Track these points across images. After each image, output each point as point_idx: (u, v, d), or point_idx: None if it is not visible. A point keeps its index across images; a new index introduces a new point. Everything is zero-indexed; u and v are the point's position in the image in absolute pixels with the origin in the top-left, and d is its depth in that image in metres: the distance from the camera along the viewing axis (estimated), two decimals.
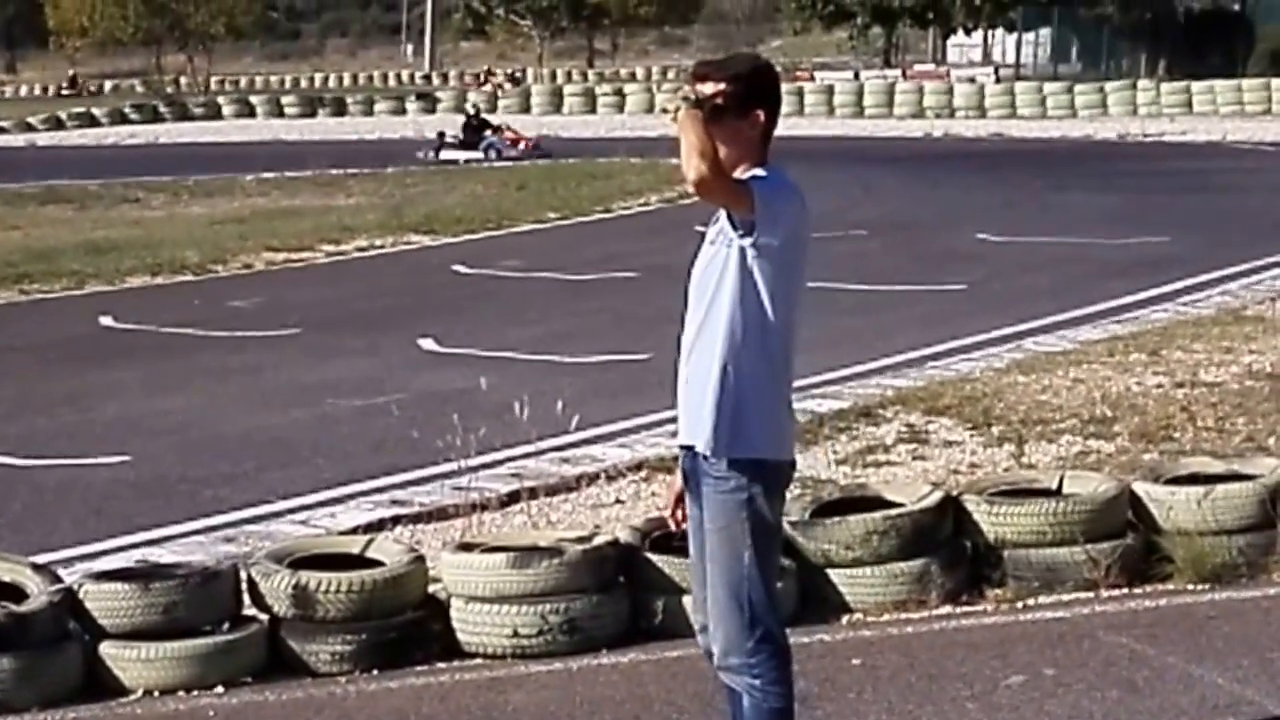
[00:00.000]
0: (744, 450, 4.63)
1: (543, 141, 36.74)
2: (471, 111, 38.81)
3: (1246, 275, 15.86)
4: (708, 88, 4.59)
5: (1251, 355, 11.55)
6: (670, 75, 71.69)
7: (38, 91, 78.37)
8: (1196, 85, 44.74)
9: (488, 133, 36.62)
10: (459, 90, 58.59)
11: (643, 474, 9.07)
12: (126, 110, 54.31)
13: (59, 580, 6.51)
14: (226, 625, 6.45)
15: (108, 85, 77.81)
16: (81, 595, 6.38)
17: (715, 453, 4.65)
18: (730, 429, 4.63)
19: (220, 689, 6.28)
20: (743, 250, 4.55)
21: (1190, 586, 6.99)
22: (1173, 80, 47.16)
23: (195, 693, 6.26)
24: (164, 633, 6.31)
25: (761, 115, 4.62)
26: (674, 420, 11.01)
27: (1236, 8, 57.52)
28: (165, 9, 79.72)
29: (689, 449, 4.75)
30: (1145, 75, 51.06)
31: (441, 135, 36.92)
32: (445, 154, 35.72)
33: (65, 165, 34.58)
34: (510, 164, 33.84)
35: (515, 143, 36.09)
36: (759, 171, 4.60)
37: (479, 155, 35.47)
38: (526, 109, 51.45)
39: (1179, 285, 15.35)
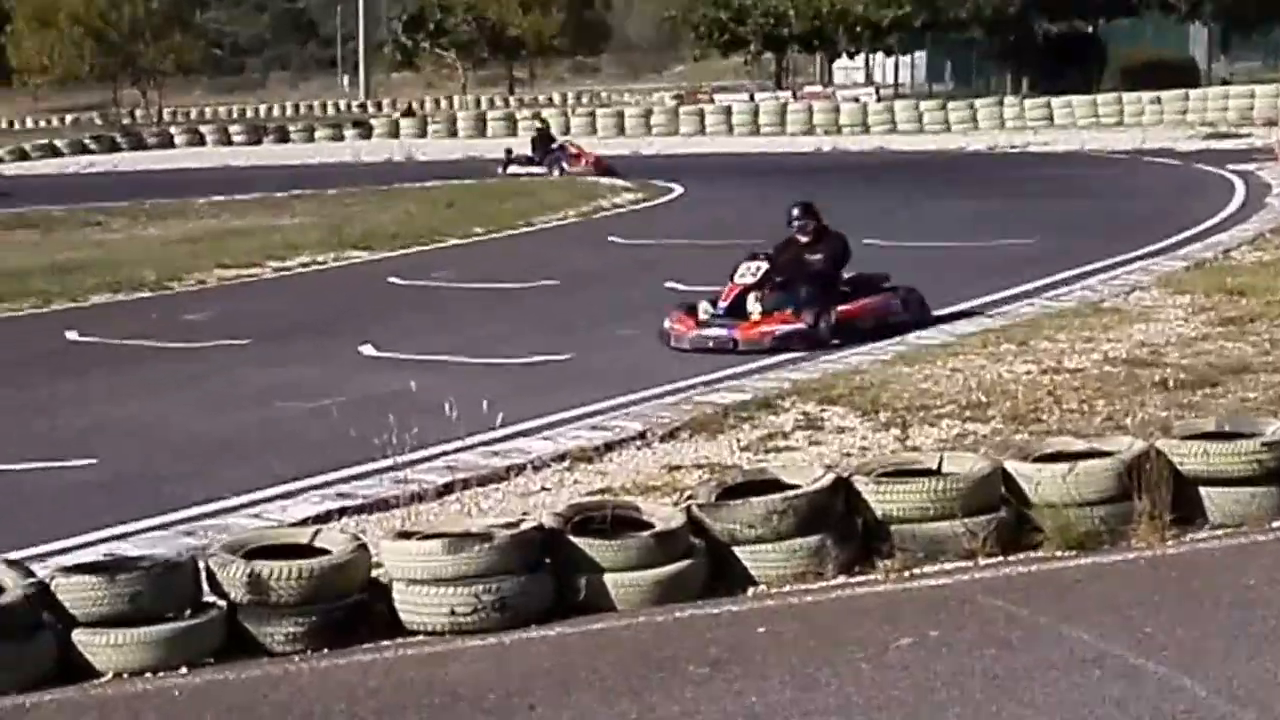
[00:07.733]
0: None
1: (604, 160, 34.29)
2: (540, 126, 37.16)
3: (1104, 271, 15.99)
4: None
5: (1109, 344, 11.67)
6: (584, 100, 71.57)
7: (4, 125, 77.20)
8: (1056, 100, 45.03)
9: (554, 147, 34.90)
10: (390, 116, 58.20)
11: (565, 464, 9.08)
12: (86, 141, 53.61)
13: (32, 574, 6.44)
14: (188, 611, 6.40)
15: (69, 118, 76.88)
16: (54, 587, 6.32)
17: None
18: None
19: (184, 669, 6.25)
20: None
21: (1058, 554, 7.07)
22: (1035, 96, 47.46)
23: (161, 674, 6.22)
24: (131, 620, 6.26)
25: None
26: (594, 414, 10.98)
27: (1090, 30, 57.99)
28: (118, 49, 78.92)
29: None
30: (1011, 92, 51.35)
31: (509, 152, 35.29)
32: (513, 169, 34.22)
33: (31, 192, 34.15)
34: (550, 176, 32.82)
35: (578, 159, 34.14)
36: None
37: (543, 170, 33.84)
38: (454, 133, 51.17)
39: (1044, 282, 15.47)
